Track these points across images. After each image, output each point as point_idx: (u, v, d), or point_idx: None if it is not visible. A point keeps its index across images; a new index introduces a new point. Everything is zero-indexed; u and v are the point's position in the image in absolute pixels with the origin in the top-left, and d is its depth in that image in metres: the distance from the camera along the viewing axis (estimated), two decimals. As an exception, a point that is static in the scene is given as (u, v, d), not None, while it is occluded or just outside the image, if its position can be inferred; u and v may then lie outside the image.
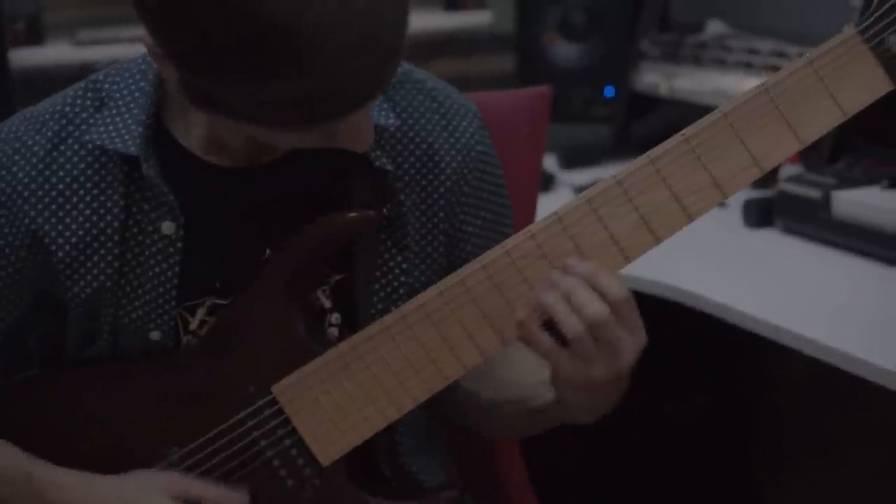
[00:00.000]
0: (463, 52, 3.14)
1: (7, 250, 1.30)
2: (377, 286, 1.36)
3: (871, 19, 1.17)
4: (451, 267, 1.38)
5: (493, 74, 3.04)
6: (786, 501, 2.37)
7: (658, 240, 1.22)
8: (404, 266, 1.37)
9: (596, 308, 1.19)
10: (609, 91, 2.78)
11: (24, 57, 2.85)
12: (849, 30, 1.18)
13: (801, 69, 1.18)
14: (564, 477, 2.14)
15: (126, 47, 2.83)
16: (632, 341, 1.21)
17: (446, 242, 1.39)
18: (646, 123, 2.69)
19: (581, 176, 2.50)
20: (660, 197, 1.21)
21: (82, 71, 3.00)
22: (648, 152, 1.21)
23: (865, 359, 1.57)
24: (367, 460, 1.38)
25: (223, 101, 1.15)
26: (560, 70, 2.77)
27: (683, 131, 1.21)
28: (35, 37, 2.91)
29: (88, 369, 1.35)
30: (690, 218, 1.22)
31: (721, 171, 1.20)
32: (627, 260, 1.23)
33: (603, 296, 1.20)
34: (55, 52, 2.92)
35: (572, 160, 2.62)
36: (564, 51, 2.83)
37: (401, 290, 1.36)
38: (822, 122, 1.19)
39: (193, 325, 1.34)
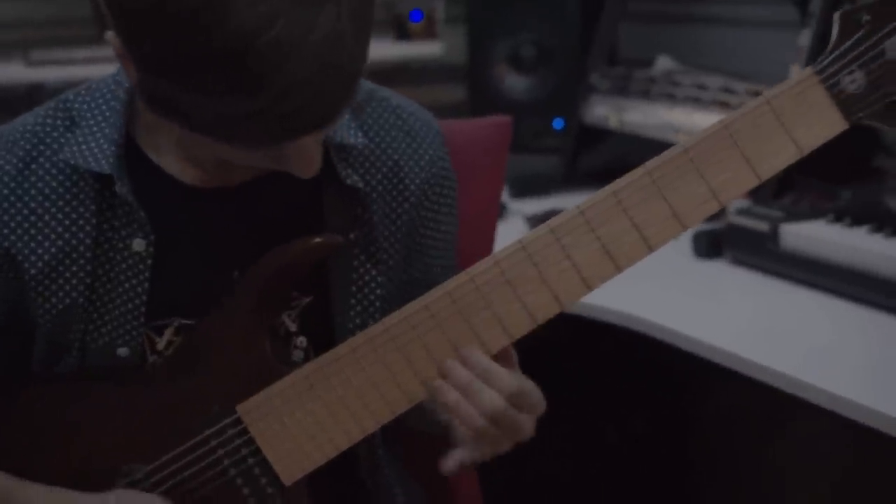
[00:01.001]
0: (413, 82, 3.17)
1: None
2: (354, 301, 1.38)
3: (828, 60, 1.21)
4: (408, 279, 1.42)
5: (445, 104, 3.07)
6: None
7: (619, 269, 1.26)
8: (380, 279, 1.39)
9: (492, 401, 1.25)
10: (558, 123, 2.82)
11: (-24, 76, 2.86)
12: (803, 70, 1.22)
13: (760, 107, 1.22)
14: (510, 497, 2.17)
15: (79, 68, 2.83)
16: (530, 418, 1.28)
17: (405, 255, 1.42)
18: (595, 155, 2.73)
19: (531, 205, 2.53)
20: (621, 227, 1.24)
21: (33, 90, 3.00)
22: (611, 184, 1.25)
23: (816, 385, 1.60)
24: (349, 472, 1.40)
25: (177, 109, 1.16)
26: (510, 101, 2.80)
27: (645, 164, 1.24)
28: (-13, 56, 2.92)
29: (54, 386, 1.35)
30: (651, 248, 1.25)
31: (681, 203, 1.24)
32: (589, 288, 1.26)
33: (498, 390, 1.25)
34: (7, 72, 2.92)
35: (522, 190, 2.65)
36: (515, 83, 2.87)
37: (378, 304, 1.39)
38: (779, 158, 1.23)
39: (161, 345, 1.35)
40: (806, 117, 1.22)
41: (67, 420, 1.34)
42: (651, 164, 1.24)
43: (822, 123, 1.22)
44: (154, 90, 1.16)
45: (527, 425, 1.28)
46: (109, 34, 1.17)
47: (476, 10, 2.92)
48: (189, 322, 1.35)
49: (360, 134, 1.38)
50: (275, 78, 1.09)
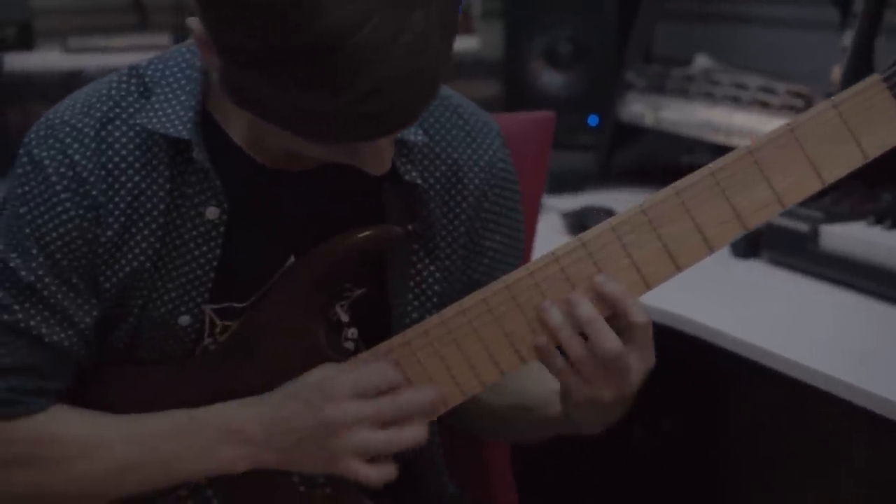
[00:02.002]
0: (449, 76, 3.16)
1: (75, 234, 1.30)
2: (411, 296, 1.39)
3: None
4: (469, 281, 1.42)
5: (479, 99, 3.07)
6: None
7: (679, 269, 1.27)
8: (437, 276, 1.40)
9: (608, 346, 1.24)
10: (593, 120, 2.82)
11: (14, 61, 2.86)
12: (871, 76, 1.23)
13: (826, 111, 1.23)
14: (542, 494, 2.18)
15: (118, 56, 2.85)
16: (640, 366, 1.26)
17: (465, 256, 1.42)
18: (630, 153, 2.73)
19: (566, 202, 2.53)
20: (683, 227, 1.25)
21: (70, 77, 3.00)
22: (674, 183, 1.25)
23: (854, 384, 1.61)
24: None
25: (258, 100, 1.17)
26: (546, 97, 2.79)
27: (709, 165, 1.25)
28: (26, 42, 2.92)
29: (107, 372, 1.35)
30: (712, 249, 1.26)
31: (744, 205, 1.24)
32: (648, 287, 1.27)
33: (624, 317, 1.24)
34: (45, 58, 2.93)
35: (557, 186, 2.64)
36: (551, 79, 2.86)
37: (435, 300, 1.39)
38: (844, 163, 1.23)
39: (218, 329, 1.35)
40: (872, 123, 1.22)
41: (118, 406, 1.34)
42: (715, 164, 1.25)
43: (888, 129, 1.22)
44: (236, 80, 1.17)
45: (634, 373, 1.26)
46: (192, 20, 1.17)
47: (513, 5, 2.92)
48: (241, 306, 1.35)
49: (420, 131, 1.38)
50: (362, 78, 1.10)
